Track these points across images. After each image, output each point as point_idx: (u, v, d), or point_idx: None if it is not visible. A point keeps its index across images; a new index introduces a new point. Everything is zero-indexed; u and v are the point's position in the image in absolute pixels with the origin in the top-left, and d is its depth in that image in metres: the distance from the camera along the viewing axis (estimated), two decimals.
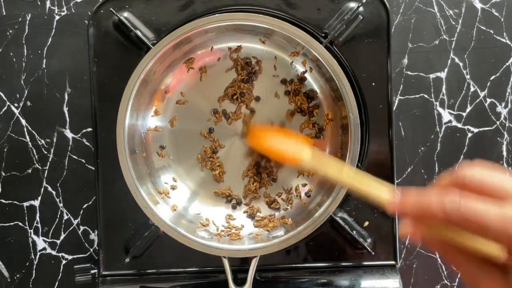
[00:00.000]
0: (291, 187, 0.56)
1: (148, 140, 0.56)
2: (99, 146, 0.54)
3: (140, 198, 0.51)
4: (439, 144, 0.61)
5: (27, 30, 0.60)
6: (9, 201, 0.60)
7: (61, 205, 0.60)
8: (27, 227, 0.60)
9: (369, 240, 0.54)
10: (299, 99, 0.55)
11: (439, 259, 0.60)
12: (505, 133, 0.61)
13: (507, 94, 0.61)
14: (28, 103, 0.60)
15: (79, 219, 0.60)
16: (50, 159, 0.60)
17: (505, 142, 0.61)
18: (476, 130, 0.61)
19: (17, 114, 0.60)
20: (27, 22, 0.60)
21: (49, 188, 0.60)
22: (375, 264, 0.54)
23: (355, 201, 0.54)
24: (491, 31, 0.60)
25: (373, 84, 0.54)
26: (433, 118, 0.61)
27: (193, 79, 0.56)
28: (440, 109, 0.60)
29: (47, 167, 0.60)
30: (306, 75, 0.56)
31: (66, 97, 0.60)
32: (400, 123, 0.60)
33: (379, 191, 0.36)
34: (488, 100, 0.61)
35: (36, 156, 0.60)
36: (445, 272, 0.60)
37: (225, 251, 0.50)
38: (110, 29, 0.54)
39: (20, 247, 0.61)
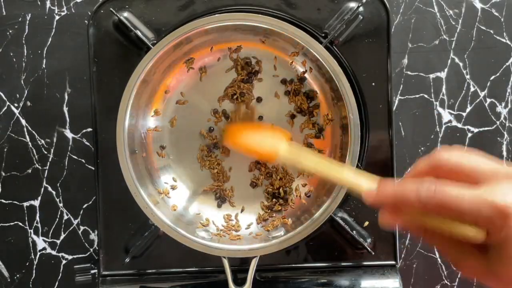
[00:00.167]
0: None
1: (148, 140, 0.56)
2: (99, 146, 0.54)
3: (140, 198, 0.51)
4: (439, 144, 0.61)
5: (27, 30, 0.60)
6: (9, 201, 0.60)
7: (61, 205, 0.60)
8: (27, 227, 0.60)
9: (369, 240, 0.54)
10: (299, 99, 0.55)
11: (439, 259, 0.60)
12: (505, 133, 0.61)
13: (507, 94, 0.61)
14: (28, 103, 0.60)
15: (79, 219, 0.61)
16: (50, 159, 0.60)
17: (505, 142, 0.61)
18: (476, 130, 0.61)
19: (17, 114, 0.60)
20: (27, 22, 0.60)
21: (49, 188, 0.60)
22: (375, 264, 0.54)
23: (355, 201, 0.54)
24: (491, 31, 0.60)
25: (373, 84, 0.54)
26: (433, 118, 0.61)
27: (193, 79, 0.56)
28: (440, 109, 0.60)
29: (47, 167, 0.60)
30: (306, 75, 0.56)
31: (66, 97, 0.60)
32: (400, 123, 0.60)
33: (358, 181, 0.37)
34: (488, 100, 0.61)
35: (36, 156, 0.60)
36: (445, 272, 0.60)
37: (225, 251, 0.51)
38: (110, 29, 0.54)
39: (20, 247, 0.61)
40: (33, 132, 0.60)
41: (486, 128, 0.61)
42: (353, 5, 0.53)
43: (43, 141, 0.60)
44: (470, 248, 0.34)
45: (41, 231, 0.60)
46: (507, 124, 0.61)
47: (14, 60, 0.60)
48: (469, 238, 0.32)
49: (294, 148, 0.43)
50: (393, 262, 0.54)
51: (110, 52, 0.54)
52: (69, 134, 0.60)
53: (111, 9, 0.52)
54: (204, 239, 0.51)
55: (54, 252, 0.61)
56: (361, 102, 0.53)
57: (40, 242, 0.60)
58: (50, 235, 0.60)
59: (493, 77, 0.61)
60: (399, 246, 0.58)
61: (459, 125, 0.61)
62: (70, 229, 0.61)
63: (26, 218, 0.60)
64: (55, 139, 0.60)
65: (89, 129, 0.60)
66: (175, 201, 0.55)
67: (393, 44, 0.54)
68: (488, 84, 0.60)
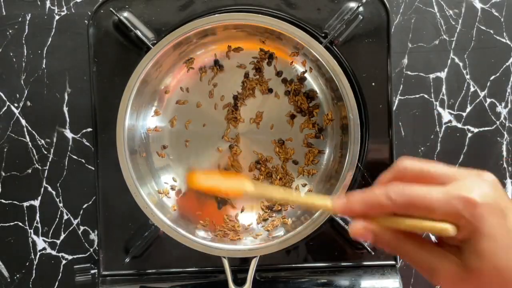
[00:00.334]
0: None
1: (148, 140, 0.56)
2: (99, 146, 0.54)
3: (140, 198, 0.51)
4: (439, 144, 0.61)
5: (27, 30, 0.60)
6: (9, 201, 0.60)
7: (61, 205, 0.60)
8: (27, 227, 0.60)
9: None
10: (299, 99, 0.55)
11: None
12: (505, 133, 0.61)
13: (507, 94, 0.61)
14: (28, 103, 0.60)
15: (79, 219, 0.60)
16: (50, 159, 0.60)
17: (505, 142, 0.61)
18: (476, 130, 0.61)
19: (17, 114, 0.60)
20: (27, 22, 0.60)
21: (49, 188, 0.60)
22: (375, 264, 0.54)
23: None
24: (491, 31, 0.60)
25: (373, 84, 0.54)
26: (433, 118, 0.61)
27: (193, 79, 0.56)
28: (440, 109, 0.60)
29: (47, 167, 0.60)
30: (306, 75, 0.56)
31: (66, 97, 0.60)
32: (400, 123, 0.60)
33: (323, 201, 0.37)
34: (488, 100, 0.61)
35: (36, 156, 0.60)
36: None
37: (225, 251, 0.51)
38: (110, 29, 0.54)
39: (20, 247, 0.61)
40: (33, 132, 0.60)
41: (486, 128, 0.61)
42: (353, 5, 0.53)
43: (43, 141, 0.60)
44: (444, 252, 0.33)
45: (41, 231, 0.60)
46: (507, 124, 0.61)
47: (14, 60, 0.60)
48: (443, 233, 0.32)
49: (259, 185, 0.45)
50: (393, 262, 0.54)
51: (110, 52, 0.54)
52: (69, 134, 0.60)
53: (111, 9, 0.52)
54: (204, 239, 0.51)
55: (54, 252, 0.61)
56: (361, 102, 0.53)
57: (40, 242, 0.60)
58: (50, 235, 0.60)
59: (493, 77, 0.61)
60: None
61: (459, 125, 0.61)
62: (70, 229, 0.61)
63: (26, 218, 0.60)
64: (55, 139, 0.60)
65: (89, 129, 0.60)
66: (175, 201, 0.55)
67: (393, 44, 0.54)
68: (488, 84, 0.60)
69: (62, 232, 0.61)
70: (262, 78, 0.55)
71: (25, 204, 0.60)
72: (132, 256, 0.53)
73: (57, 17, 0.60)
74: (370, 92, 0.54)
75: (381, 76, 0.54)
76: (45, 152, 0.60)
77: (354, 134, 0.50)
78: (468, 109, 0.61)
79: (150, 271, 0.55)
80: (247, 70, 0.56)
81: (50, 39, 0.60)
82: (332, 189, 0.51)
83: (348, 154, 0.51)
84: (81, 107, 0.59)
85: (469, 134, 0.61)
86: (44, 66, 0.60)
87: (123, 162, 0.51)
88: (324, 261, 0.55)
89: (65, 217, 0.60)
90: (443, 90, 0.60)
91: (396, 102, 0.60)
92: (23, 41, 0.60)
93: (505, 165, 0.61)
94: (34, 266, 0.61)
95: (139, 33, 0.52)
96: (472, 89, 0.60)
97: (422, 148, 0.61)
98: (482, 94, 0.61)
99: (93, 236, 0.61)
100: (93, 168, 0.55)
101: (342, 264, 0.54)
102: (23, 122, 0.60)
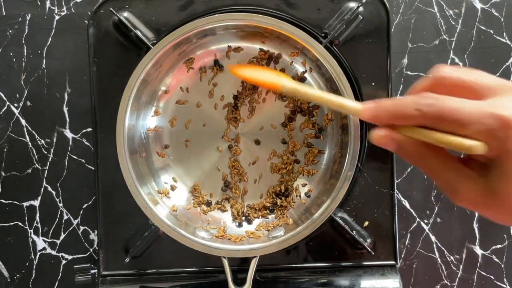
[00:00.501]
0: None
1: (148, 140, 0.56)
2: (99, 146, 0.54)
3: (140, 198, 0.51)
4: None
5: (27, 30, 0.60)
6: (9, 201, 0.60)
7: (61, 205, 0.60)
8: (27, 227, 0.60)
9: (369, 240, 0.54)
10: (299, 99, 0.55)
11: (439, 259, 0.60)
12: None
13: None
14: (28, 103, 0.60)
15: (79, 219, 0.61)
16: (50, 159, 0.60)
17: None
18: None
19: (17, 114, 0.60)
20: (27, 22, 0.60)
21: (49, 188, 0.60)
22: (375, 264, 0.54)
23: (355, 201, 0.54)
24: (491, 31, 0.60)
25: (373, 84, 0.54)
26: None
27: (193, 79, 0.56)
28: None
29: (47, 167, 0.60)
30: (306, 75, 0.56)
31: (66, 97, 0.60)
32: None
33: (354, 104, 0.37)
34: None
35: (36, 156, 0.60)
36: (445, 272, 0.60)
37: (225, 251, 0.51)
38: (110, 29, 0.54)
39: (20, 247, 0.61)
40: (33, 132, 0.60)
41: None
42: (353, 5, 0.53)
43: (43, 141, 0.60)
44: (468, 171, 0.31)
45: (41, 231, 0.60)
46: None
47: (14, 60, 0.60)
48: (471, 149, 0.29)
49: (295, 82, 0.45)
50: (393, 262, 0.54)
51: (110, 52, 0.54)
52: (69, 134, 0.60)
53: (111, 9, 0.52)
54: (204, 239, 0.51)
55: (54, 252, 0.61)
56: None
57: (40, 242, 0.61)
58: (50, 235, 0.60)
59: None
60: (399, 246, 0.58)
61: None
62: (70, 229, 0.61)
63: (26, 218, 0.60)
64: (55, 139, 0.60)
65: (89, 129, 0.60)
66: (175, 201, 0.55)
67: (393, 44, 0.54)
68: None
69: (62, 232, 0.61)
70: None
71: (25, 204, 0.60)
72: (132, 256, 0.53)
73: (57, 17, 0.60)
74: (370, 92, 0.54)
75: (381, 76, 0.54)
76: (45, 152, 0.60)
77: (354, 134, 0.50)
78: None
79: (150, 271, 0.55)
80: None
81: (50, 39, 0.60)
82: (332, 189, 0.51)
83: (348, 154, 0.51)
84: (81, 107, 0.59)
85: None
86: (44, 66, 0.60)
87: (123, 162, 0.51)
88: (324, 261, 0.55)
89: (65, 217, 0.60)
90: None
91: None
92: (23, 41, 0.60)
93: None
94: (34, 266, 0.61)
95: (139, 33, 0.52)
96: None
97: None
98: None
99: (93, 236, 0.61)
100: (93, 168, 0.55)
101: (342, 264, 0.54)
102: (23, 122, 0.60)
